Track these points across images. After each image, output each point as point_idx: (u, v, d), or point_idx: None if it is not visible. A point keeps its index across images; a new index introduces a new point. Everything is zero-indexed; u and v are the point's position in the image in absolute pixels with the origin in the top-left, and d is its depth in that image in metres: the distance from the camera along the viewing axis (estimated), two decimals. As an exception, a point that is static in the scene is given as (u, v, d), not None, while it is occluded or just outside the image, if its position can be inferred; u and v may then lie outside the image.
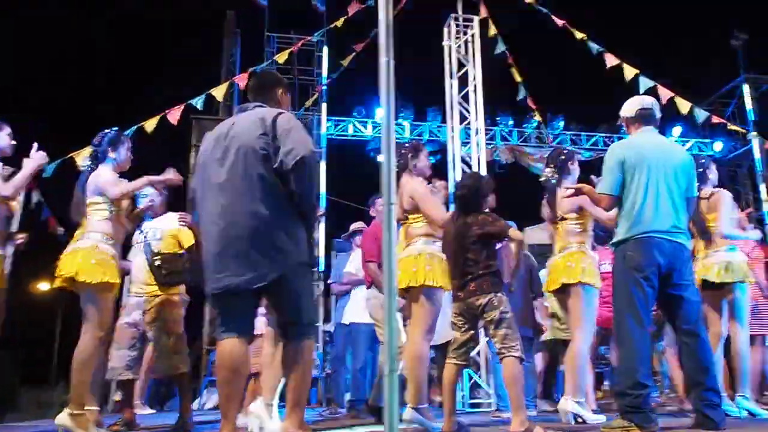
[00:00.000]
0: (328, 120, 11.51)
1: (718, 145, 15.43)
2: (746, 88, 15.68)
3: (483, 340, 6.47)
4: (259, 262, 2.81)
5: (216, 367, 2.99)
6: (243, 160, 2.89)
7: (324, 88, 10.87)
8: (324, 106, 11.11)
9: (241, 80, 8.14)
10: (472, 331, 3.79)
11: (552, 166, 4.60)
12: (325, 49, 11.10)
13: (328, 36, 10.82)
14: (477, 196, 3.88)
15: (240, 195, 2.86)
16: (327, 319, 9.16)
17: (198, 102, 7.51)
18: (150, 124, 7.33)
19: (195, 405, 7.81)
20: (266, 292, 2.93)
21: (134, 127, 7.17)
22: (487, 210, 3.96)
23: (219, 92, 7.68)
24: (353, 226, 6.58)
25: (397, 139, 12.70)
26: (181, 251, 4.67)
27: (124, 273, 4.77)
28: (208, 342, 9.53)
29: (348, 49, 9.27)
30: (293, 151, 2.84)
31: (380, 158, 2.20)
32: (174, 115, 7.21)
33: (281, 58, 8.37)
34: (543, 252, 5.98)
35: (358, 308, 6.11)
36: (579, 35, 8.46)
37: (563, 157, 4.57)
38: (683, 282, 3.60)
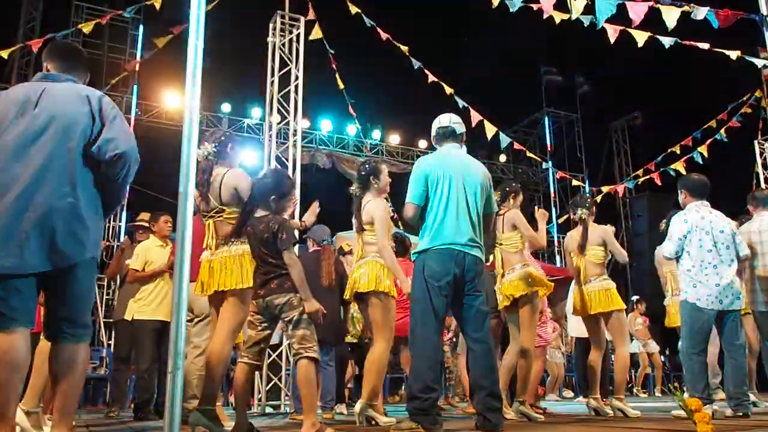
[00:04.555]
0: (139, 104, 10.84)
1: (518, 170, 16.81)
2: (546, 121, 17.33)
3: (286, 342, 6.40)
4: (56, 246, 2.54)
5: None
6: (61, 135, 2.64)
7: (136, 69, 10.17)
8: (135, 88, 10.43)
9: (37, 45, 7.29)
10: (268, 331, 3.68)
11: (358, 178, 4.69)
12: (141, 28, 10.41)
13: (146, 14, 10.14)
14: (273, 191, 3.75)
15: (49, 171, 2.58)
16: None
17: (-18, 64, 6.59)
18: None
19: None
20: (53, 281, 2.60)
21: None
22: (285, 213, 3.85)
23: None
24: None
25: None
26: None
27: None
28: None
29: (166, 31, 8.70)
30: (114, 141, 2.70)
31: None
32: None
33: (87, 27, 7.62)
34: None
35: (144, 304, 5.79)
36: (403, 48, 8.71)
37: (364, 173, 4.65)
38: (475, 293, 3.76)
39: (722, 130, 11.06)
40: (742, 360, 4.75)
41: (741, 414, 4.52)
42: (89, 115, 2.70)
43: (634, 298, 11.42)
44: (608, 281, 5.27)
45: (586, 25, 5.50)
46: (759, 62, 5.62)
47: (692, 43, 5.71)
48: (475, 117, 8.79)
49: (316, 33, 8.58)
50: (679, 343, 4.96)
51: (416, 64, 8.70)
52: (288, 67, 8.28)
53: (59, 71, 2.87)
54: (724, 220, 4.91)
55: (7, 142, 2.60)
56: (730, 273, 4.78)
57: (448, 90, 8.69)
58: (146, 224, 6.34)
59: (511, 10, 5.90)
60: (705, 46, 5.66)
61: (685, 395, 3.94)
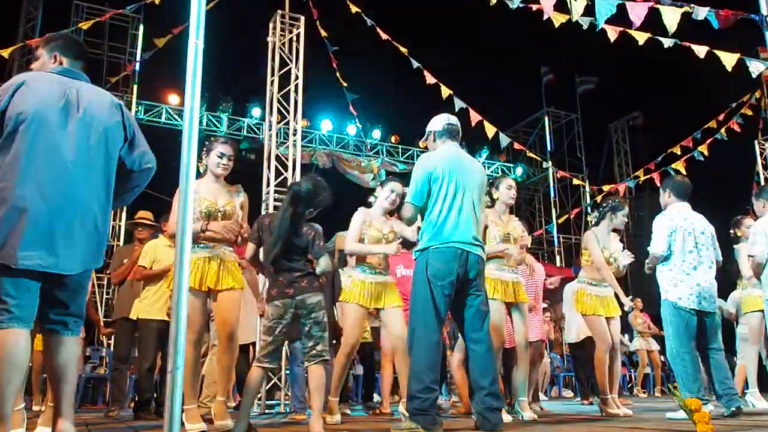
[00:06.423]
0: (139, 104, 10.84)
1: (519, 170, 16.79)
2: (547, 121, 17.30)
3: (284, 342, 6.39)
4: (85, 249, 2.66)
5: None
6: (104, 144, 2.77)
7: (137, 69, 10.18)
8: (135, 88, 10.44)
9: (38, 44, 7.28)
10: (283, 336, 3.68)
11: None
12: (141, 28, 10.42)
13: (146, 14, 10.14)
14: (311, 201, 3.73)
15: (89, 177, 2.70)
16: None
17: (-17, 62, 6.60)
18: None
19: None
20: (67, 278, 2.64)
21: None
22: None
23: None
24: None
25: (213, 132, 12.29)
26: None
27: None
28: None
29: (166, 31, 8.71)
30: (147, 155, 2.91)
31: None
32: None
33: (86, 25, 7.62)
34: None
35: (149, 303, 5.78)
36: (402, 49, 8.72)
37: None
38: (477, 292, 3.77)
39: (722, 130, 11.04)
40: (721, 358, 4.80)
41: (735, 409, 4.52)
42: (121, 126, 2.84)
43: (628, 298, 11.38)
44: (576, 284, 5.51)
45: (585, 27, 5.50)
46: (754, 69, 5.57)
47: (691, 45, 5.70)
48: (475, 117, 8.79)
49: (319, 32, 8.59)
50: (667, 346, 4.96)
51: (416, 64, 8.70)
52: (288, 67, 8.28)
53: (77, 69, 2.87)
54: (704, 222, 4.98)
55: (63, 146, 2.63)
56: (710, 275, 4.85)
57: (448, 90, 8.69)
58: (147, 222, 6.37)
59: (511, 7, 5.88)
60: (704, 49, 5.63)
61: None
